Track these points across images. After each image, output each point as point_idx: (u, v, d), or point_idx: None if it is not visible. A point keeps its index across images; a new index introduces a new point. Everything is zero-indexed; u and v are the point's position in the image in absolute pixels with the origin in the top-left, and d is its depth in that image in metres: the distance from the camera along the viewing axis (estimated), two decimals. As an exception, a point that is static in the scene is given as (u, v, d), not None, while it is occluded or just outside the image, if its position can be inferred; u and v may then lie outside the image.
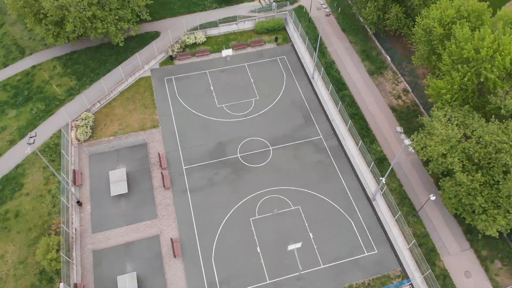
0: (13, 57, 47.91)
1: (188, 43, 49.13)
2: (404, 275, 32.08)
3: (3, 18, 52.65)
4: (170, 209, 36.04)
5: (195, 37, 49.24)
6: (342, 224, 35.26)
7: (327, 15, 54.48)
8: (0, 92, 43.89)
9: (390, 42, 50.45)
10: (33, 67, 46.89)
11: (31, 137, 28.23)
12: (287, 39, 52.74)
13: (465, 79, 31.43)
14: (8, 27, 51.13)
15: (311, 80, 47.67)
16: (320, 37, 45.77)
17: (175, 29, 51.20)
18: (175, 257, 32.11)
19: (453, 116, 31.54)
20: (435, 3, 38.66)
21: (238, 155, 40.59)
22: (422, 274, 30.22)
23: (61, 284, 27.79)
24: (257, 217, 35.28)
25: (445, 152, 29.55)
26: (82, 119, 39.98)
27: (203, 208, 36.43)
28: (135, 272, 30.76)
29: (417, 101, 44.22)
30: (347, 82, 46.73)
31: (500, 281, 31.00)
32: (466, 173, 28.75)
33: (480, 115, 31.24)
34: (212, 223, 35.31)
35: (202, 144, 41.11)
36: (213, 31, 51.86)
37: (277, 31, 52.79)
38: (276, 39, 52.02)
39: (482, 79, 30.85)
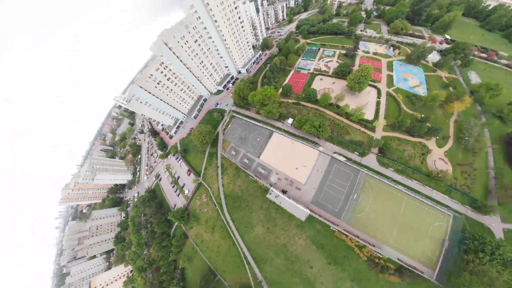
0: (203, 149, 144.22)
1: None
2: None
3: (192, 143, 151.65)
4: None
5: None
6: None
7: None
8: (199, 155, 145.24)
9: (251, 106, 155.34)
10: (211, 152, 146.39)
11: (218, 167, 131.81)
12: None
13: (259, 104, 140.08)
14: (194, 149, 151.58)
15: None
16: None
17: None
18: (259, 157, 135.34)
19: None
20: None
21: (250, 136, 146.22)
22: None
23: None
24: (267, 147, 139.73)
25: (267, 114, 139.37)
26: (223, 149, 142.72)
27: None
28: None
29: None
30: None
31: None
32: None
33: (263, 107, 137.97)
34: (261, 145, 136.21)
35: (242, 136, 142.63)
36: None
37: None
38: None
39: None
